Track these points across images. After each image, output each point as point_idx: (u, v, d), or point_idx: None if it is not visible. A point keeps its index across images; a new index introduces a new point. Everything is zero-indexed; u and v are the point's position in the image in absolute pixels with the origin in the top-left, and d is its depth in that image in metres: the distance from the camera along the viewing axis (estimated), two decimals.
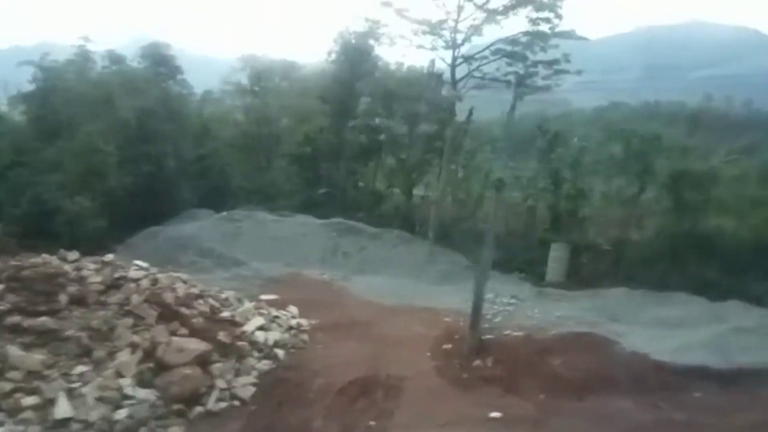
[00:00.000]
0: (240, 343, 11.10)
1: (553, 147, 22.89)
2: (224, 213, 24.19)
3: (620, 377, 11.41)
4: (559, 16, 22.49)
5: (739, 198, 18.77)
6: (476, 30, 24.19)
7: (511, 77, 24.64)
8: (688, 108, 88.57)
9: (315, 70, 32.30)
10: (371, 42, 27.56)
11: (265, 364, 11.13)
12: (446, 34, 24.12)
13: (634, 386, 11.19)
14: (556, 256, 20.41)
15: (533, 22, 23.02)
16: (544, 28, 22.71)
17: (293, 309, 14.31)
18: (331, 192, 27.25)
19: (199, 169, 28.37)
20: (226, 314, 11.99)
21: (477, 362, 11.91)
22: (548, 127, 24.09)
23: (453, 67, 25.29)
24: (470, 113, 25.55)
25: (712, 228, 19.12)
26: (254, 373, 10.65)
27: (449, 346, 12.80)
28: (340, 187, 27.30)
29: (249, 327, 11.81)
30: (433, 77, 26.81)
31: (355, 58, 27.09)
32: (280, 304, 14.54)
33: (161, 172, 25.68)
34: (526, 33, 23.42)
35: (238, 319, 11.97)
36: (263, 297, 15.18)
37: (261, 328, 12.05)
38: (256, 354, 11.24)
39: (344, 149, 27.47)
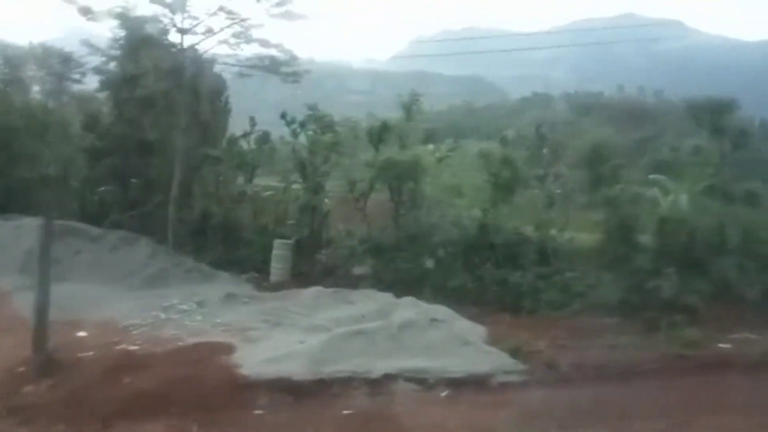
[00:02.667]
0: None
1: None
2: None
3: (181, 395, 10.37)
4: None
5: (448, 188, 18.44)
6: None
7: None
8: (603, 98, 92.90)
9: None
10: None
11: None
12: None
13: (192, 405, 10.19)
14: (280, 255, 19.52)
15: None
16: None
17: None
18: (112, 190, 24.93)
19: None
20: None
21: (30, 387, 10.52)
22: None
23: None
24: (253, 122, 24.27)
25: (424, 221, 18.79)
26: None
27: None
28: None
29: None
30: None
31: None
32: None
33: None
34: None
35: None
36: None
37: None
38: None
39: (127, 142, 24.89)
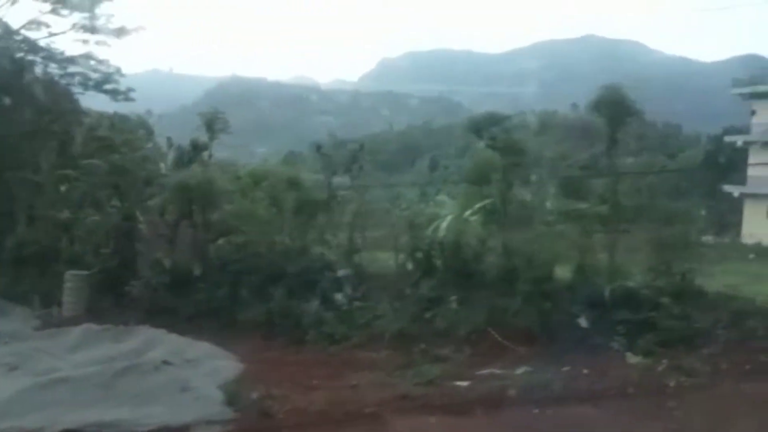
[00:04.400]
0: None
1: None
2: None
3: None
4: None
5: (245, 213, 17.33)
6: None
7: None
8: (557, 116, 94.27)
9: None
10: None
11: None
12: None
13: None
14: (72, 288, 18.02)
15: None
16: None
17: None
18: None
19: None
20: None
21: None
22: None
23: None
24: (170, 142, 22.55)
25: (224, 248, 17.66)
26: None
27: None
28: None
29: None
30: None
31: None
32: None
33: None
34: None
35: None
36: None
37: None
38: None
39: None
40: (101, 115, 24.84)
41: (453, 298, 14.96)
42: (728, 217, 34.03)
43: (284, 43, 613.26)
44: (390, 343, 14.30)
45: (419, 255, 15.59)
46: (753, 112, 31.54)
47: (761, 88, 31.01)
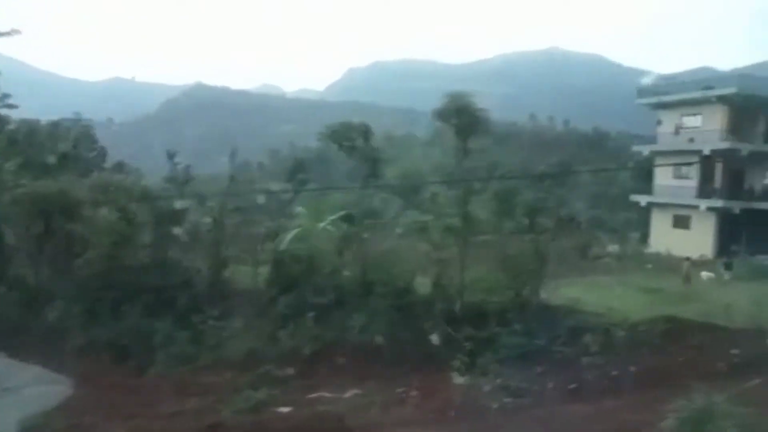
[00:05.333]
0: None
1: None
2: None
3: None
4: None
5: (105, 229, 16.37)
6: None
7: None
8: (517, 127, 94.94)
9: None
10: None
11: None
12: None
13: None
14: None
15: None
16: None
17: None
18: None
19: None
20: None
21: None
22: None
23: None
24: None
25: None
26: None
27: None
28: None
29: None
30: None
31: None
32: None
33: None
34: None
35: None
36: None
37: None
38: None
39: None
40: None
41: (310, 314, 14.42)
42: (637, 227, 34.46)
43: (250, 51, 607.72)
44: (237, 364, 13.65)
45: (276, 270, 14.98)
46: (659, 122, 31.95)
47: (665, 98, 31.42)
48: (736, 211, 28.23)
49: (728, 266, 23.79)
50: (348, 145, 15.34)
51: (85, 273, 16.50)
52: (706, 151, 28.30)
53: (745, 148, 27.84)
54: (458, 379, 11.61)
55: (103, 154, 33.63)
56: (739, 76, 33.48)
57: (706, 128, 29.09)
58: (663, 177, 31.97)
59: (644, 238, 33.15)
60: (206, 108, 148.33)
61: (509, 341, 12.56)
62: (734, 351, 11.82)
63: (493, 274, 14.10)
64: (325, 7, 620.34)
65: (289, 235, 14.33)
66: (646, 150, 33.47)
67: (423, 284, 14.52)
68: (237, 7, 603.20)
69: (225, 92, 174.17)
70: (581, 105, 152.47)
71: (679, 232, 30.41)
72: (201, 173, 29.90)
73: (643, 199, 33.10)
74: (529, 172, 52.23)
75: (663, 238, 31.05)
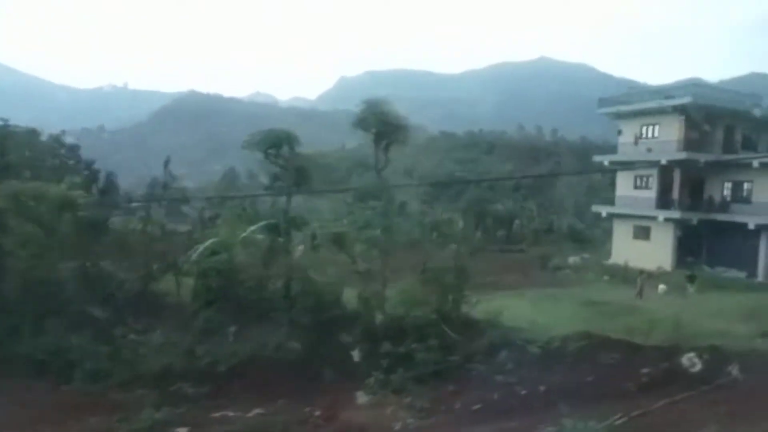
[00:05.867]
0: None
1: None
2: None
3: None
4: None
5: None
6: None
7: None
8: (505, 136, 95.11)
9: None
10: None
11: None
12: None
13: None
14: None
15: None
16: None
17: None
18: None
19: None
20: None
21: None
22: None
23: None
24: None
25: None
26: None
27: None
28: None
29: None
30: None
31: None
32: None
33: None
34: None
35: None
36: None
37: None
38: None
39: None
40: None
41: (232, 329, 14.07)
42: (599, 237, 34.36)
43: (243, 59, 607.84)
44: (151, 381, 13.24)
45: (201, 282, 14.61)
46: (619, 132, 31.78)
47: (624, 108, 31.18)
48: (694, 222, 28.12)
49: (691, 279, 23.48)
50: (273, 153, 15.04)
51: (3, 287, 16.00)
52: (664, 161, 28.21)
53: (703, 158, 27.75)
54: (363, 399, 11.30)
55: (69, 162, 32.85)
56: (694, 85, 33.52)
57: (664, 138, 28.99)
58: (624, 187, 31.90)
59: (606, 249, 33.02)
60: (199, 116, 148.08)
61: (425, 357, 12.27)
62: (645, 370, 11.58)
63: (416, 287, 13.82)
64: (318, 16, 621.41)
65: (202, 246, 13.96)
66: (606, 160, 33.36)
67: (350, 298, 14.21)
68: (230, 15, 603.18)
69: (218, 100, 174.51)
70: (571, 114, 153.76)
71: (640, 244, 30.20)
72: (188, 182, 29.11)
73: (604, 210, 32.98)
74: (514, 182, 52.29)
75: (624, 249, 30.85)
